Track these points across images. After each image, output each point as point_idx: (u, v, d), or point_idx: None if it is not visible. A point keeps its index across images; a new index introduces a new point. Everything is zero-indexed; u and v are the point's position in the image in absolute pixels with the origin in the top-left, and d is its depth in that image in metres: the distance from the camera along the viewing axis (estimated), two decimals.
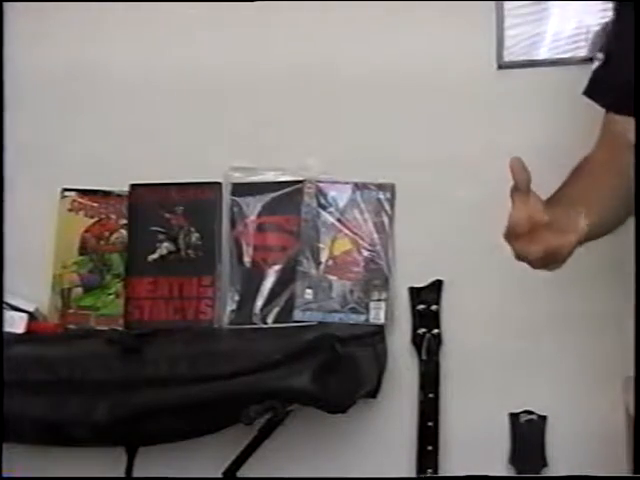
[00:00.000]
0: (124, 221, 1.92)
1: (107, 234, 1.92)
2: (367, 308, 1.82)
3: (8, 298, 1.83)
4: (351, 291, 1.83)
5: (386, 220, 1.85)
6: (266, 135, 1.91)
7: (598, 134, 1.50)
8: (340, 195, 1.87)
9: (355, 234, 1.85)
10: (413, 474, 1.82)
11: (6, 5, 1.95)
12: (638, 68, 1.70)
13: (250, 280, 1.86)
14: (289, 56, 1.90)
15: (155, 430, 1.68)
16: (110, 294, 1.90)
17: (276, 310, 1.84)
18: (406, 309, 1.85)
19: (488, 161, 1.83)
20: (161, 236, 1.89)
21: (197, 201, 1.89)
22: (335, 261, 1.85)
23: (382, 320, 1.82)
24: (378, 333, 1.81)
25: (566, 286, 1.81)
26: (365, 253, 1.84)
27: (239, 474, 1.83)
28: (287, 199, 1.88)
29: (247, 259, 1.87)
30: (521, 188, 1.26)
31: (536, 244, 1.24)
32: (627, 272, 1.73)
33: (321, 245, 1.86)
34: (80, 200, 1.93)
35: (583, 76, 1.81)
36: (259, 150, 1.90)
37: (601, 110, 1.65)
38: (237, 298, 1.86)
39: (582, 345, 1.80)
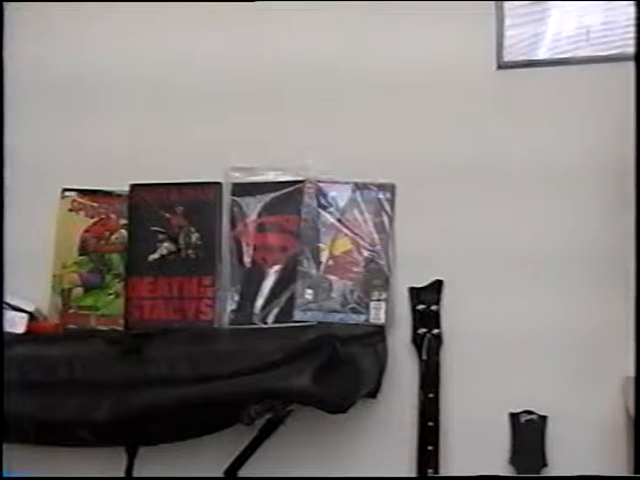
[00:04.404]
0: (124, 221, 1.92)
1: (107, 234, 1.92)
2: (367, 308, 1.82)
3: (8, 298, 1.83)
4: (351, 291, 1.83)
5: (386, 220, 1.85)
6: (266, 135, 1.91)
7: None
8: (340, 195, 1.87)
9: (355, 234, 1.85)
10: (413, 474, 1.82)
11: (6, 5, 1.95)
12: (638, 69, 1.71)
13: (250, 280, 1.86)
14: (289, 56, 1.90)
15: (155, 430, 1.68)
16: (110, 294, 1.90)
17: (276, 310, 1.84)
18: (406, 309, 1.85)
19: (488, 161, 1.83)
20: (161, 236, 1.89)
21: (197, 201, 1.89)
22: (335, 261, 1.85)
23: (382, 320, 1.82)
24: (378, 333, 1.81)
25: (566, 286, 1.81)
26: (365, 253, 1.84)
27: (239, 474, 1.83)
28: (287, 199, 1.88)
29: (247, 259, 1.87)
30: None
31: None
32: (627, 272, 1.74)
33: (321, 245, 1.85)
34: (80, 200, 1.94)
35: (583, 76, 1.82)
36: (259, 150, 1.90)
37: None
38: (237, 298, 1.86)
39: (582, 345, 1.80)
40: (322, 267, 1.84)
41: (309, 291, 1.83)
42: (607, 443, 1.79)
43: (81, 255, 1.92)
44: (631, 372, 1.66)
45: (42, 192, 1.95)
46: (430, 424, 1.81)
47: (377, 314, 1.81)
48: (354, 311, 1.82)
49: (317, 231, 1.86)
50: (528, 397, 1.80)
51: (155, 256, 1.89)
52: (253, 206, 1.88)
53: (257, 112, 1.92)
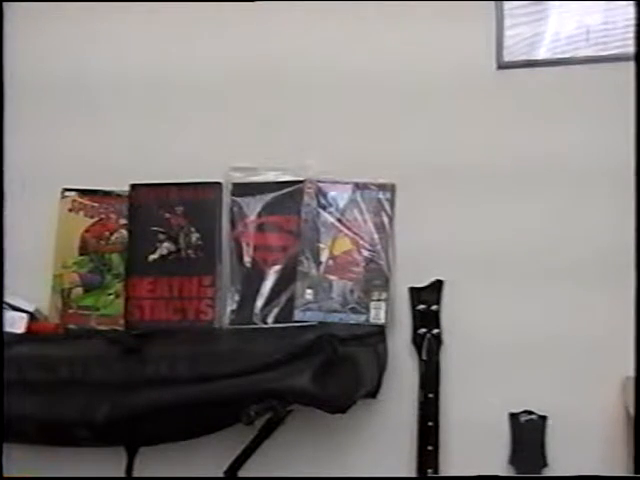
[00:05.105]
0: (124, 221, 1.92)
1: (107, 234, 1.92)
2: (367, 308, 1.82)
3: (8, 298, 1.83)
4: (351, 291, 1.83)
5: (386, 220, 1.85)
6: (266, 135, 1.91)
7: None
8: (340, 195, 1.87)
9: (355, 234, 1.85)
10: (413, 474, 1.82)
11: (6, 6, 1.95)
12: (638, 69, 1.71)
13: (250, 280, 1.86)
14: (289, 56, 1.90)
15: (155, 430, 1.68)
16: (110, 294, 1.90)
17: (276, 310, 1.84)
18: (406, 309, 1.85)
19: (488, 160, 1.83)
20: (161, 236, 1.89)
21: (197, 201, 1.89)
22: (335, 261, 1.85)
23: (382, 320, 1.82)
24: (378, 333, 1.81)
25: (566, 286, 1.81)
26: (365, 253, 1.84)
27: (239, 474, 1.83)
28: (287, 199, 1.88)
29: (247, 259, 1.87)
30: None
31: None
32: (627, 272, 1.74)
33: (321, 245, 1.85)
34: (80, 200, 1.94)
35: (583, 76, 1.82)
36: (259, 150, 1.90)
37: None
38: (237, 298, 1.86)
39: (582, 345, 1.80)
40: (322, 267, 1.84)
41: (309, 291, 1.83)
42: (607, 443, 1.79)
43: (81, 255, 1.92)
44: (631, 372, 1.66)
45: (42, 192, 1.95)
46: (430, 424, 1.81)
47: (377, 314, 1.81)
48: (354, 311, 1.82)
49: (317, 231, 1.86)
50: (528, 397, 1.80)
51: (155, 256, 1.89)
52: (253, 206, 1.88)
53: (257, 112, 1.92)
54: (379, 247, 1.84)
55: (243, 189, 1.89)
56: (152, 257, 1.89)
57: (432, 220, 1.86)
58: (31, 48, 1.99)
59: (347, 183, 1.87)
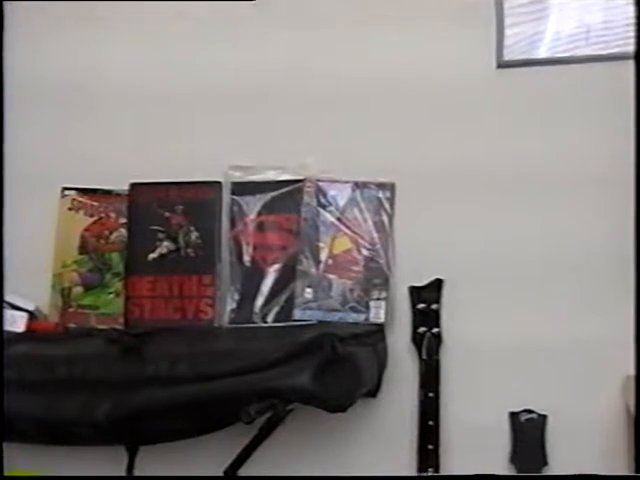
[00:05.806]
0: (124, 220, 1.92)
1: (107, 233, 1.92)
2: (367, 307, 1.82)
3: (8, 297, 1.83)
4: (351, 290, 1.83)
5: (386, 219, 1.85)
6: (266, 134, 1.91)
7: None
8: (340, 194, 1.87)
9: (355, 233, 1.85)
10: (413, 473, 1.81)
11: (7, 7, 1.95)
12: (638, 68, 1.71)
13: (250, 279, 1.86)
14: (289, 56, 1.90)
15: (155, 429, 1.67)
16: (110, 293, 1.90)
17: (276, 309, 1.84)
18: (406, 308, 1.85)
19: (487, 160, 1.83)
20: (161, 235, 1.89)
21: (197, 200, 1.89)
22: (335, 260, 1.85)
23: (382, 319, 1.82)
24: (378, 332, 1.81)
25: (566, 285, 1.81)
26: (365, 252, 1.84)
27: (239, 473, 1.83)
28: (287, 198, 1.88)
29: (247, 258, 1.87)
30: None
31: None
32: (627, 271, 1.74)
33: (321, 244, 1.85)
34: (80, 199, 1.93)
35: (583, 75, 1.82)
36: (259, 149, 1.90)
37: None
38: (237, 297, 1.86)
39: (583, 344, 1.80)
40: (322, 266, 1.84)
41: (309, 290, 1.83)
42: (607, 442, 1.79)
43: (81, 254, 1.92)
44: (631, 370, 1.66)
45: (42, 191, 1.95)
46: (430, 423, 1.81)
47: (377, 313, 1.81)
48: (354, 310, 1.82)
49: (317, 230, 1.86)
50: (528, 396, 1.80)
51: (155, 255, 1.89)
52: (253, 205, 1.88)
53: (257, 111, 1.92)
54: (379, 246, 1.84)
55: (243, 188, 1.89)
56: (152, 256, 1.89)
57: (432, 219, 1.86)
58: (32, 47, 1.99)
59: (347, 182, 1.87)
